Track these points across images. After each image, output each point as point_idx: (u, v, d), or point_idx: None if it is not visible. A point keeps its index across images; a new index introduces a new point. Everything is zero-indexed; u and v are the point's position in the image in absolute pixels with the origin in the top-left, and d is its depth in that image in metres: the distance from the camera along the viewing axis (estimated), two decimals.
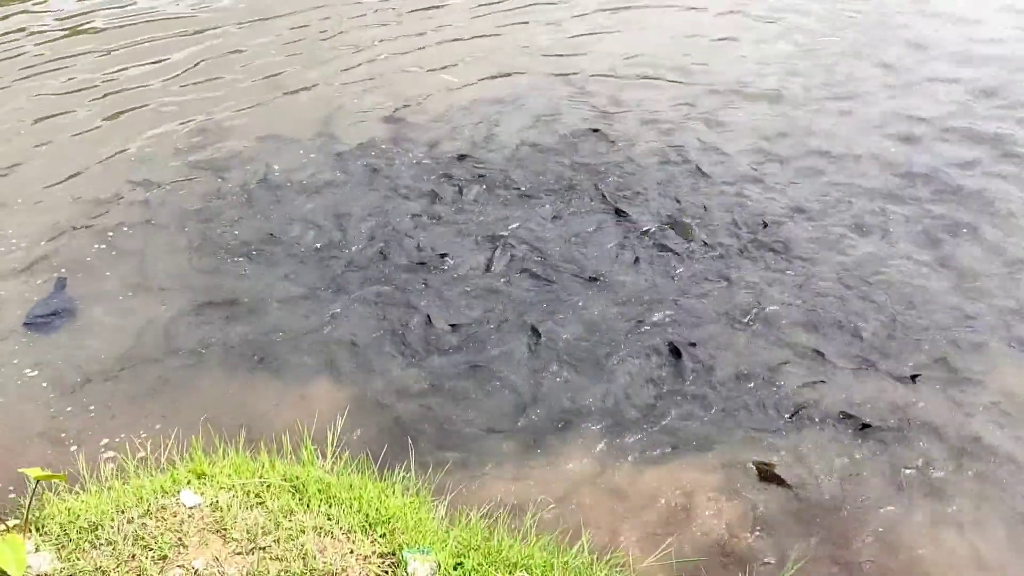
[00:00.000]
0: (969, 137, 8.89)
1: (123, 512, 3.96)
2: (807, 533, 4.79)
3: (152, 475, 4.34)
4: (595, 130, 9.06)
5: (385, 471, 4.62)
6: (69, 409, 5.48)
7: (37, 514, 3.97)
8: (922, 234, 7.36)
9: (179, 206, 7.69)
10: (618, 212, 7.65)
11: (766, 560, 4.60)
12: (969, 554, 4.70)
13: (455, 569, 3.79)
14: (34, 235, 7.20)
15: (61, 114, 9.22)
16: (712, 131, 9.09)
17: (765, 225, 7.43)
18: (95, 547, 3.75)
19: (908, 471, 5.16)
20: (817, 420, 5.51)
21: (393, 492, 4.34)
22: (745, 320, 6.35)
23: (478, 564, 3.83)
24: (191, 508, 3.99)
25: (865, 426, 5.43)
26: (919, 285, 6.73)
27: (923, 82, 10.12)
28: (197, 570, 3.63)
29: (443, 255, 7.06)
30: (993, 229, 7.40)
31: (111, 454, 4.82)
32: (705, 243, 7.21)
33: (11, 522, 3.91)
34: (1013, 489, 5.06)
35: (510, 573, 3.81)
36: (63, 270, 6.79)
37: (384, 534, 3.96)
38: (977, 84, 9.99)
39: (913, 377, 5.82)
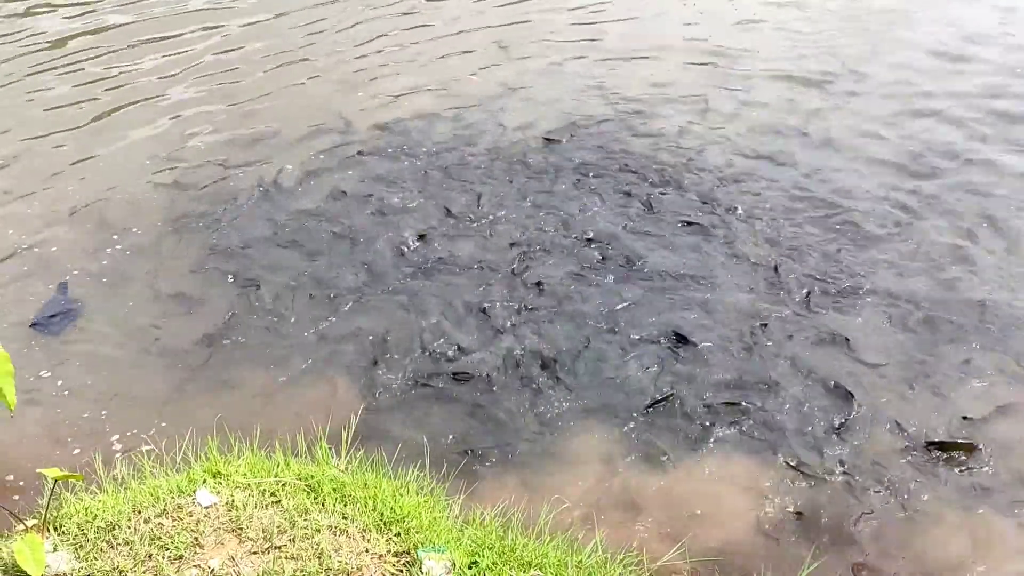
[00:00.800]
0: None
1: (139, 512, 3.99)
2: (826, 532, 4.78)
3: (168, 475, 4.37)
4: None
5: (399, 470, 4.63)
6: (83, 410, 5.52)
7: (55, 514, 4.00)
8: None
9: (190, 203, 7.74)
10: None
11: (783, 559, 4.58)
12: None
13: (470, 568, 3.80)
14: (38, 236, 7.27)
15: (67, 106, 9.31)
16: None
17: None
18: (112, 547, 3.78)
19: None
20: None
21: (408, 491, 4.35)
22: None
23: (492, 563, 3.84)
24: (207, 507, 4.01)
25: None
26: None
27: None
28: (213, 569, 3.65)
29: (452, 255, 7.07)
30: None
31: (126, 454, 4.83)
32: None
33: (29, 522, 3.95)
34: None
35: (524, 572, 3.82)
36: (71, 274, 6.84)
37: (399, 533, 3.98)
38: None
39: None
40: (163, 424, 5.33)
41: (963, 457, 5.20)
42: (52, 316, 6.36)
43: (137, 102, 9.49)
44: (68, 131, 8.88)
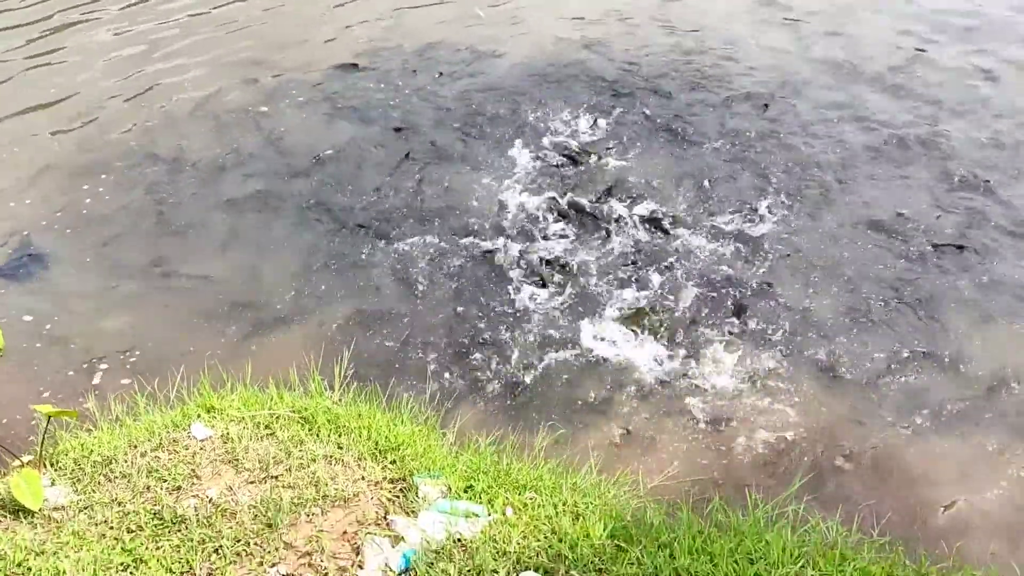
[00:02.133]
0: None
1: (135, 447, 4.00)
2: (818, 447, 4.85)
3: (162, 411, 4.38)
4: None
5: (393, 402, 4.65)
6: (73, 349, 5.52)
7: (50, 451, 4.01)
8: None
9: (156, 163, 7.65)
10: None
11: (774, 475, 4.66)
12: None
13: (465, 491, 3.84)
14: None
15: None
16: None
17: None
18: (110, 480, 3.80)
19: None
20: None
21: (402, 421, 4.38)
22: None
23: (488, 486, 3.87)
24: (202, 441, 4.03)
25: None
26: None
27: None
28: (211, 499, 3.68)
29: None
30: None
31: (118, 393, 4.82)
32: None
33: (25, 458, 3.96)
34: None
35: (520, 494, 3.86)
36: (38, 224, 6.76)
37: (394, 460, 4.01)
38: None
39: None
40: (153, 363, 5.34)
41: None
42: (22, 260, 6.33)
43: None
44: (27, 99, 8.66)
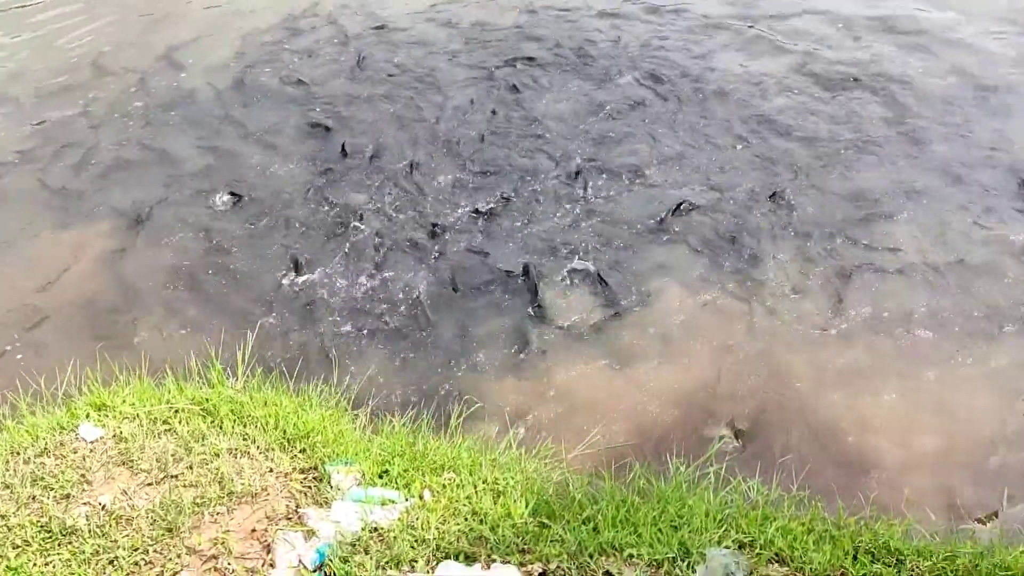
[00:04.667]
0: None
1: (18, 453, 3.69)
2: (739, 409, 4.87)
3: (47, 411, 4.05)
4: None
5: (301, 386, 4.42)
6: None
7: None
8: None
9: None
10: None
11: (694, 437, 4.65)
12: None
13: (380, 477, 3.68)
14: None
15: None
16: None
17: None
18: None
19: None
20: None
21: (311, 406, 4.16)
22: None
23: (404, 470, 3.72)
24: (92, 442, 3.75)
25: None
26: None
27: None
28: (104, 506, 3.42)
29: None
30: None
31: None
32: None
33: None
34: None
35: (438, 475, 3.72)
36: None
37: (304, 449, 3.81)
38: None
39: None
40: (37, 359, 4.97)
41: None
42: None
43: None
44: None
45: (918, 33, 8.80)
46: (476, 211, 6.30)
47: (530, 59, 8.45)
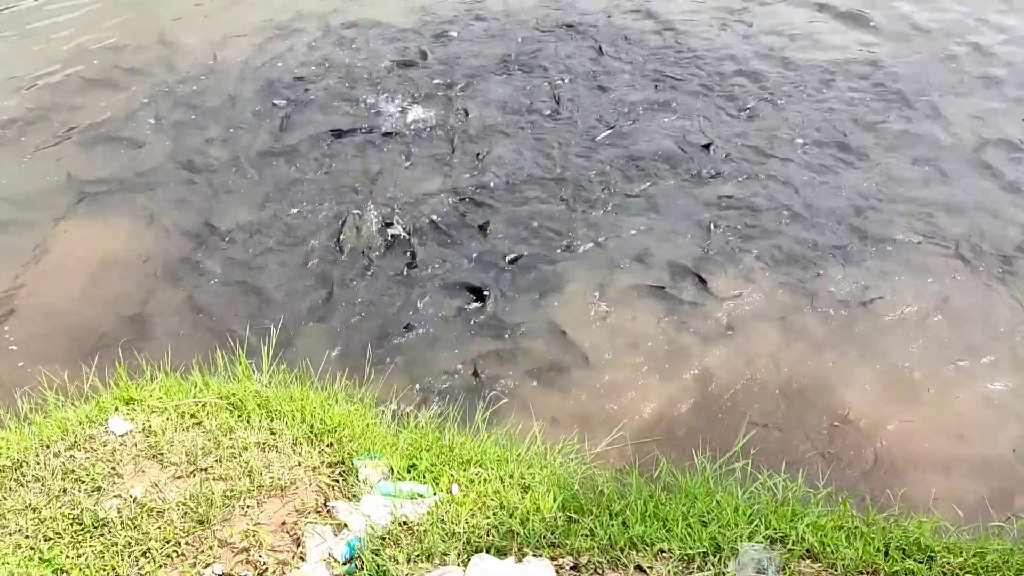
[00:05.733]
0: None
1: (48, 447, 3.70)
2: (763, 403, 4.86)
3: (75, 405, 4.06)
4: None
5: (326, 380, 4.43)
6: None
7: None
8: None
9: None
10: None
11: (720, 432, 4.64)
12: None
13: (408, 471, 3.68)
14: None
15: None
16: None
17: None
18: (22, 485, 3.51)
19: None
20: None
21: (336, 400, 4.17)
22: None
23: (431, 464, 3.73)
24: (122, 436, 3.76)
25: None
26: None
27: None
28: (136, 498, 3.43)
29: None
30: None
31: (24, 389, 4.43)
32: None
33: None
34: None
35: (465, 470, 3.72)
36: None
37: (331, 443, 3.82)
38: None
39: None
40: (60, 353, 4.98)
41: None
42: None
43: None
44: None
45: None
46: None
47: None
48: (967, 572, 3.26)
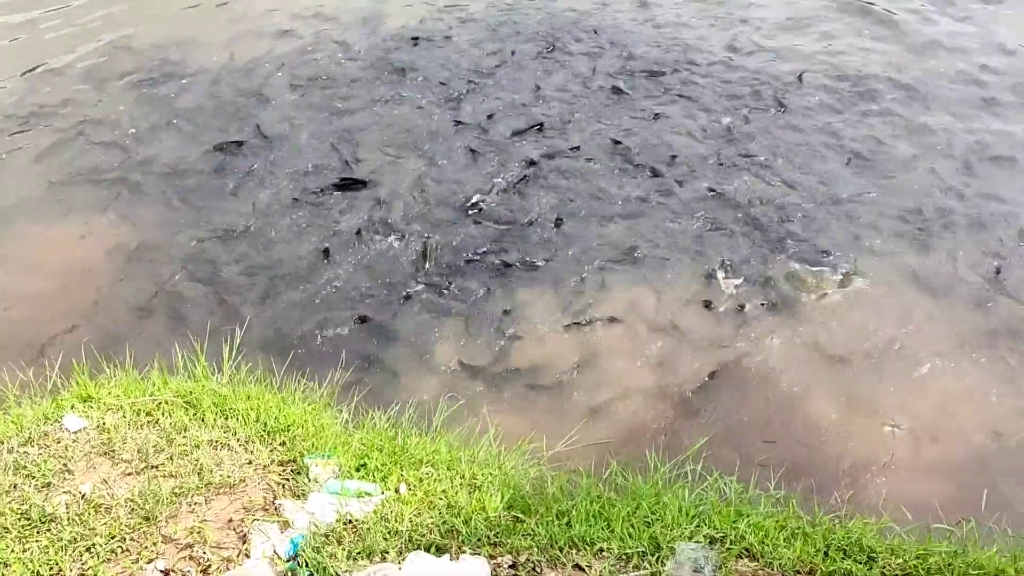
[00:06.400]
0: None
1: (2, 443, 3.73)
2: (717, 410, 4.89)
3: (34, 402, 4.10)
4: None
5: (286, 381, 4.46)
6: None
7: None
8: None
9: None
10: None
11: (674, 437, 4.66)
12: None
13: (357, 470, 3.71)
14: None
15: None
16: None
17: None
18: None
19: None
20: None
21: (293, 400, 4.20)
22: None
23: (382, 464, 3.75)
24: (75, 432, 3.79)
25: None
26: None
27: None
28: (84, 494, 3.46)
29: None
30: None
31: None
32: None
33: None
34: None
35: (416, 469, 3.75)
36: None
37: (284, 442, 3.84)
38: None
39: None
40: (27, 351, 5.02)
41: None
42: None
43: None
44: None
45: None
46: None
47: None
48: (907, 574, 3.28)
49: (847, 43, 8.66)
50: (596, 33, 8.81)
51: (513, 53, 8.43)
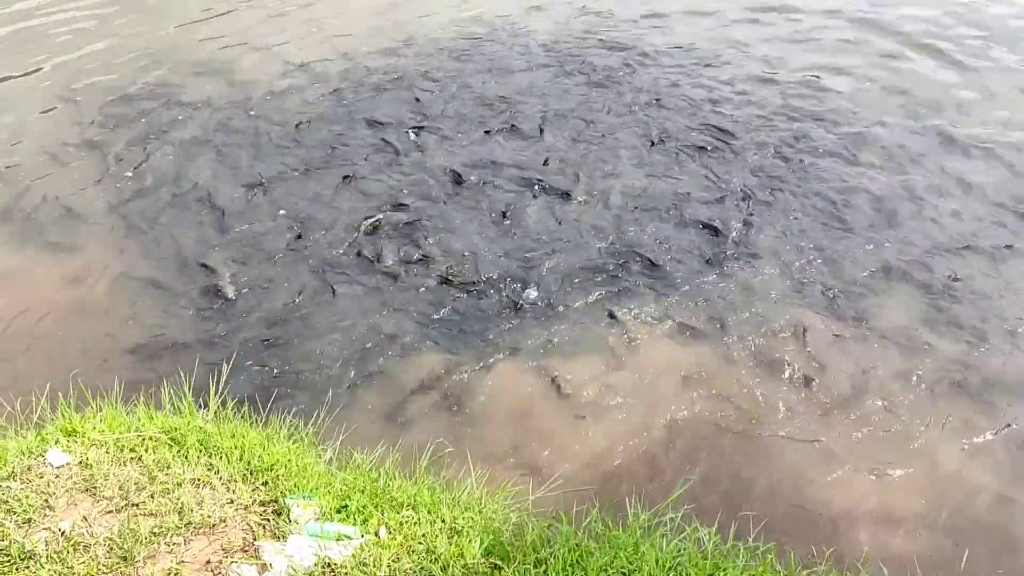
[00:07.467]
0: None
1: None
2: (700, 454, 4.90)
3: (19, 436, 4.11)
4: None
5: (271, 418, 4.48)
6: None
7: None
8: None
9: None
10: None
11: (657, 482, 4.67)
12: None
13: (338, 512, 3.72)
14: None
15: None
16: None
17: None
18: None
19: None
20: None
21: (278, 439, 4.22)
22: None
23: (363, 506, 3.76)
24: (59, 468, 3.80)
25: None
26: None
27: None
28: (64, 531, 3.47)
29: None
30: None
31: None
32: None
33: None
34: None
35: (397, 512, 3.76)
36: None
37: (266, 482, 3.85)
38: None
39: None
40: (15, 383, 5.04)
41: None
42: None
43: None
44: None
45: None
46: None
47: None
48: None
49: None
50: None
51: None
